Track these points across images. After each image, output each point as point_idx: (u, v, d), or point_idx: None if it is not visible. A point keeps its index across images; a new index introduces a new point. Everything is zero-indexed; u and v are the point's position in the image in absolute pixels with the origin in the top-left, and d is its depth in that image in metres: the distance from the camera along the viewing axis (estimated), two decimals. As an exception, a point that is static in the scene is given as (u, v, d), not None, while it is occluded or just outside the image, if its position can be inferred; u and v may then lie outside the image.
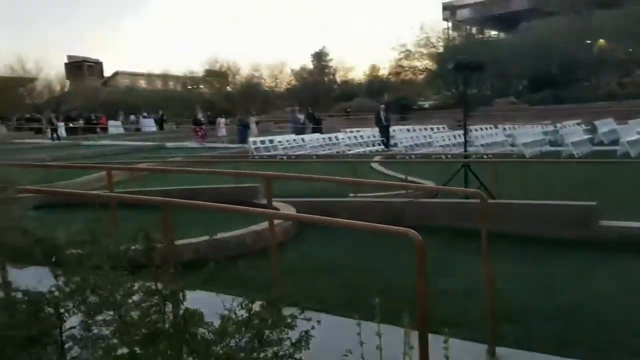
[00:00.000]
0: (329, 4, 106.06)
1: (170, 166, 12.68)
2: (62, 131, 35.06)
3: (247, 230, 6.52)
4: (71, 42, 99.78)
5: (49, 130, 34.94)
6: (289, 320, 2.28)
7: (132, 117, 41.02)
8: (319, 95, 55.52)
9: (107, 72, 64.84)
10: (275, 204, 8.02)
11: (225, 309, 2.30)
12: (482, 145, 17.87)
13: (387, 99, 50.99)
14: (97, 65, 63.21)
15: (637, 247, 5.93)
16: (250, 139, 22.20)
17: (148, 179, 12.63)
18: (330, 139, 22.33)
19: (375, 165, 14.27)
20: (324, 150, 21.09)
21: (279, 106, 59.89)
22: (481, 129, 21.01)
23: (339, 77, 61.84)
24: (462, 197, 7.64)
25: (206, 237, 5.90)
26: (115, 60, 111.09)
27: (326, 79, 60.82)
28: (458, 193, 7.86)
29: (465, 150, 9.60)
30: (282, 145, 21.46)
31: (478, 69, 9.51)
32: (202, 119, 30.98)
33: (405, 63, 45.68)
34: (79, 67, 60.21)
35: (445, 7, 63.06)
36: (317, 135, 23.31)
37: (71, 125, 37.28)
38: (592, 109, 29.58)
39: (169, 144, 28.39)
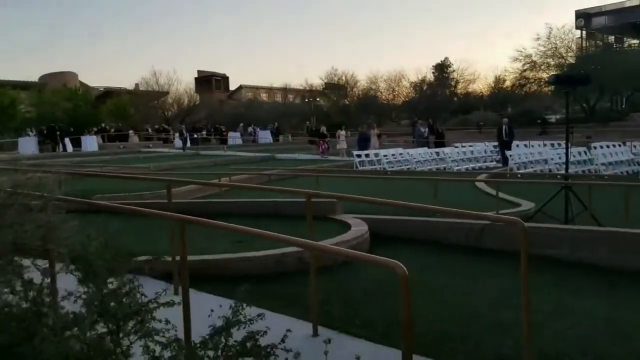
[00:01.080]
0: (450, 15, 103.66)
1: (261, 178, 12.84)
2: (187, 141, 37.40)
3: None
4: (200, 57, 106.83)
5: (175, 140, 37.61)
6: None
7: (250, 128, 42.77)
8: (437, 107, 54.19)
9: (233, 86, 68.48)
10: (348, 220, 7.79)
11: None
12: (602, 164, 16.25)
13: (510, 111, 48.48)
14: (223, 80, 66.96)
15: None
16: (355, 153, 22.07)
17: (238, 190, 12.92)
18: (438, 153, 21.61)
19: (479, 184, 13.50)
20: (429, 166, 20.44)
21: (394, 118, 59.38)
22: (607, 146, 19.15)
23: (459, 89, 59.99)
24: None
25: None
26: (241, 74, 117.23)
27: (447, 91, 59.26)
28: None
29: (567, 171, 8.65)
30: (386, 159, 21.12)
31: (581, 83, 8.53)
32: (326, 132, 31.18)
33: (530, 75, 43.08)
34: (207, 81, 64.12)
35: (579, 15, 58.69)
36: (423, 149, 22.65)
37: (195, 135, 39.77)
38: None
39: (279, 155, 29.13)
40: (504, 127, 19.97)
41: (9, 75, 48.90)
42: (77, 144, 32.57)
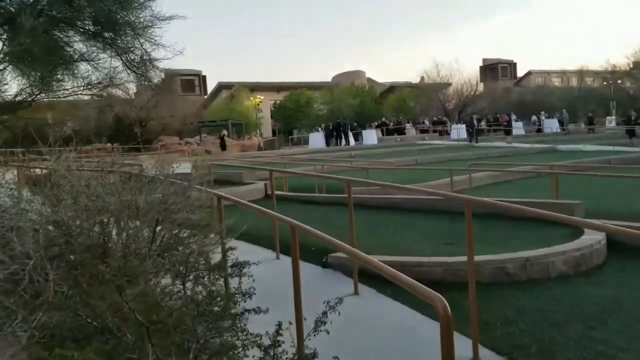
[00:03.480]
0: None
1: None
2: (462, 133, 36.71)
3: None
4: (485, 45, 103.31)
5: (451, 132, 37.23)
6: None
7: (534, 117, 39.69)
8: None
9: (521, 72, 64.57)
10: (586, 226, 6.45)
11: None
12: None
13: None
14: (510, 66, 63.66)
15: None
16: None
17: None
18: None
19: None
20: None
21: None
22: None
23: None
24: None
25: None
26: (531, 60, 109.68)
27: None
28: None
29: None
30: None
31: None
32: None
33: None
34: (492, 69, 61.87)
35: None
36: None
37: (476, 126, 38.64)
38: None
39: (561, 147, 26.40)
40: None
41: (304, 78, 55.30)
42: (360, 138, 34.93)
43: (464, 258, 5.28)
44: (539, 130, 38.08)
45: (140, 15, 10.37)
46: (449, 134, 37.82)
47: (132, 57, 10.73)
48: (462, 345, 3.51)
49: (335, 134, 33.29)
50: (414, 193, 8.51)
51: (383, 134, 37.04)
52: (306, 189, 12.11)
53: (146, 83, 12.13)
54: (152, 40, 10.49)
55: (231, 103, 43.25)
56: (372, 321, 4.17)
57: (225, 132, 33.74)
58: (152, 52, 10.71)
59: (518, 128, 37.80)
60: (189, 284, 3.19)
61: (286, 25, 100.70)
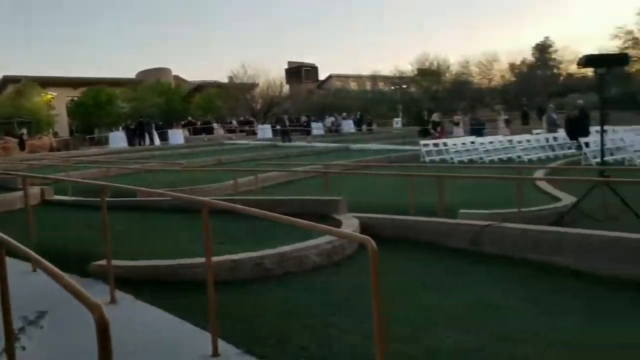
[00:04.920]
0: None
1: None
2: (267, 133, 38.07)
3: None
4: (292, 49, 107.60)
5: (258, 132, 38.36)
6: None
7: (331, 118, 42.57)
8: (533, 91, 50.86)
9: (323, 76, 68.66)
10: (344, 219, 7.35)
11: None
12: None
13: (614, 92, 44.33)
14: (312, 70, 67.34)
15: None
16: (422, 142, 21.18)
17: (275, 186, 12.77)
18: (510, 142, 20.20)
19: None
20: (498, 155, 19.16)
21: (488, 104, 56.54)
22: None
23: (562, 71, 55.87)
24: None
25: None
26: (332, 64, 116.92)
27: (548, 72, 55.45)
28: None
29: (602, 162, 7.55)
30: (454, 148, 20.09)
31: (618, 63, 7.37)
32: (439, 120, 29.09)
33: (632, 52, 39.23)
34: (297, 72, 64.83)
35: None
36: (495, 137, 21.30)
37: (278, 127, 40.21)
38: None
39: (353, 146, 28.66)
40: (576, 112, 18.35)
41: (107, 73, 52.38)
42: (167, 137, 34.15)
43: (226, 257, 5.72)
44: (337, 131, 40.96)
45: None
46: (255, 134, 38.89)
47: None
48: (202, 341, 3.84)
49: (138, 133, 32.09)
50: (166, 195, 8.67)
51: (191, 134, 36.76)
52: (94, 193, 11.63)
53: None
54: None
55: (18, 99, 39.17)
56: (126, 328, 4.30)
57: (24, 130, 31.46)
58: None
59: (318, 128, 40.29)
60: None
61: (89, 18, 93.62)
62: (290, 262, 5.71)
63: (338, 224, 7.07)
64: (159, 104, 42.16)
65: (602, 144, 7.40)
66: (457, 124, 27.03)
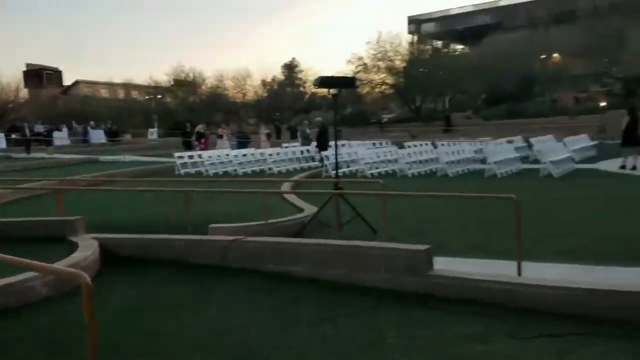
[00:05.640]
0: (294, 15, 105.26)
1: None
2: (1, 143, 33.59)
3: None
4: (33, 51, 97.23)
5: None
6: None
7: (79, 127, 39.40)
8: (283, 107, 54.43)
9: (69, 81, 63.26)
10: (82, 242, 6.86)
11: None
12: (407, 163, 16.93)
13: (349, 111, 50.12)
14: (55, 74, 61.59)
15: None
16: (176, 154, 20.91)
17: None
18: (262, 154, 21.19)
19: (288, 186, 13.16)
20: (252, 167, 19.96)
21: (242, 117, 58.56)
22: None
23: (307, 89, 60.83)
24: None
25: None
26: (79, 70, 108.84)
27: (295, 90, 59.77)
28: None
29: (337, 175, 8.41)
30: (209, 160, 20.25)
31: (347, 85, 8.46)
32: (203, 131, 27.78)
33: (362, 76, 45.00)
34: (37, 76, 58.54)
35: (411, 21, 62.52)
36: (249, 150, 22.17)
37: (14, 136, 35.59)
38: (544, 125, 29.02)
39: (103, 158, 26.96)
40: (318, 129, 20.26)
41: None
42: None
43: None
44: (85, 141, 38.00)
45: None
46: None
47: None
48: None
49: None
50: None
51: None
52: None
53: None
54: None
55: None
56: None
57: None
58: None
59: (62, 138, 36.88)
60: None
61: None
62: (12, 296, 5.07)
63: (74, 247, 6.57)
64: None
65: (337, 159, 8.24)
66: (221, 137, 27.22)
